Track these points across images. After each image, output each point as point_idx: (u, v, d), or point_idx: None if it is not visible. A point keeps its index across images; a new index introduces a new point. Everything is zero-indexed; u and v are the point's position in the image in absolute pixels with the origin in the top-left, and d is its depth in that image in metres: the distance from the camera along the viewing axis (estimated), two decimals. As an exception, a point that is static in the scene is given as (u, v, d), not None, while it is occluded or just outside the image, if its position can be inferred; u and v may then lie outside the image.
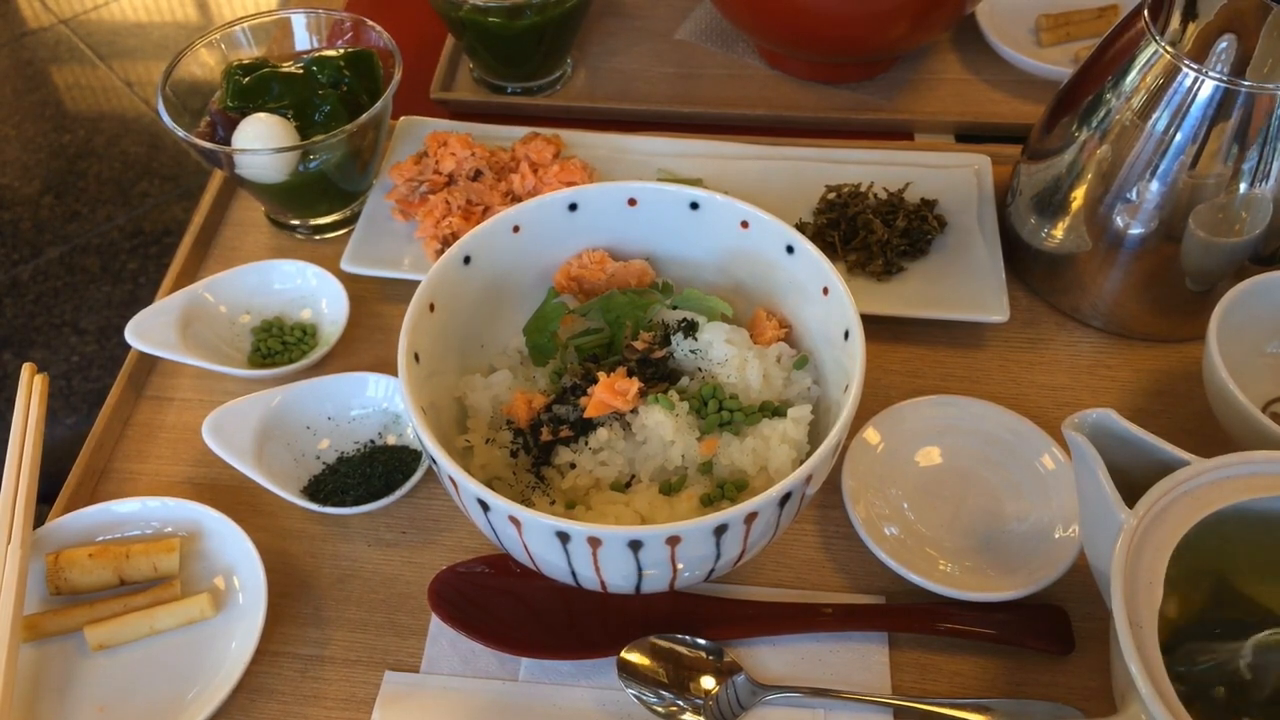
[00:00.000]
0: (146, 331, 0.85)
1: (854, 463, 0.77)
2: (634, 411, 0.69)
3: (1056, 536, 0.73)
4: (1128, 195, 0.80)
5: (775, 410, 0.71)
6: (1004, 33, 1.13)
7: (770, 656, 0.71)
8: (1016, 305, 0.90)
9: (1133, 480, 0.60)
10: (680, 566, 0.61)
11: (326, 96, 0.92)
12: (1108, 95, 0.80)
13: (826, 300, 0.71)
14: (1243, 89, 0.73)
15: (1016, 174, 0.92)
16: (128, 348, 0.86)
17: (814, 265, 0.71)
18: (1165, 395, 0.85)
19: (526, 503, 0.67)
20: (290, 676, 0.72)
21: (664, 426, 0.68)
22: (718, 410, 0.70)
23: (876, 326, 0.86)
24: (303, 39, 1.00)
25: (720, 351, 0.72)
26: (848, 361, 0.67)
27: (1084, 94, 0.83)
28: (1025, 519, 0.75)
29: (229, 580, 0.74)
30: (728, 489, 0.68)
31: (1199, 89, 0.74)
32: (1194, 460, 0.61)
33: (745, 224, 0.75)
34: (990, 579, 0.72)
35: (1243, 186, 0.76)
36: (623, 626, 0.71)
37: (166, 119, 0.90)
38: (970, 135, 1.06)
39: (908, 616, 0.72)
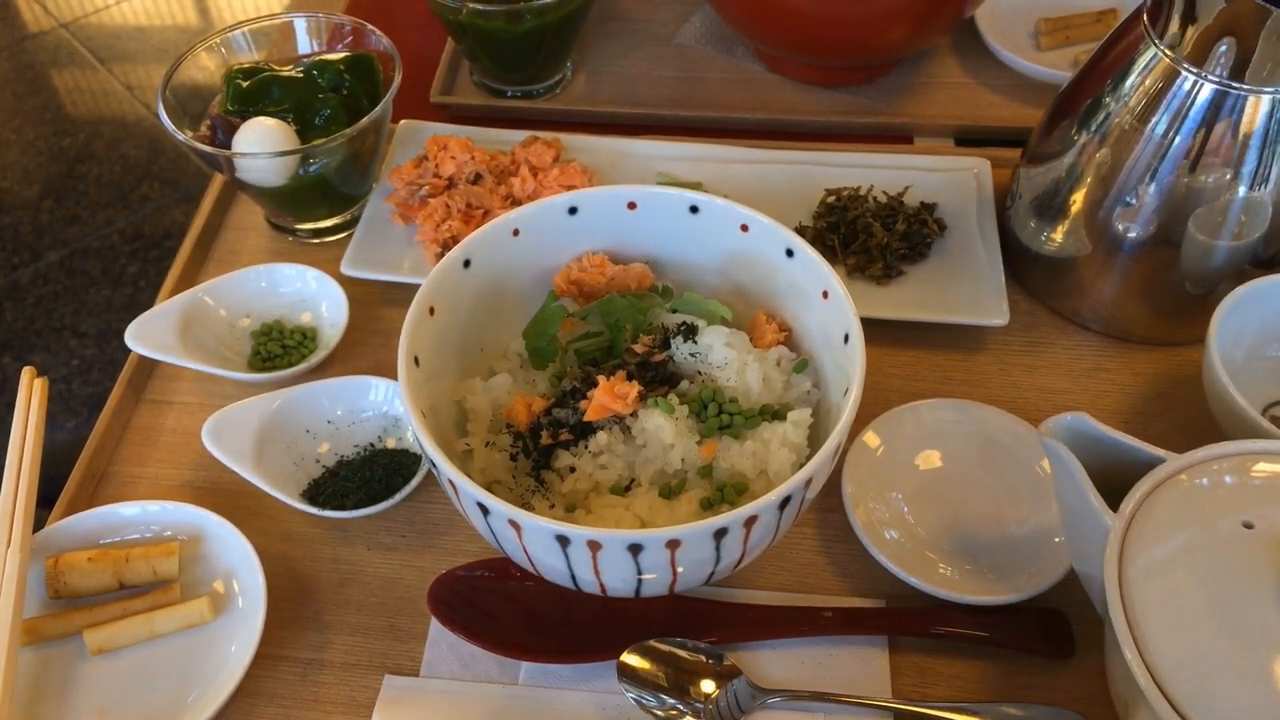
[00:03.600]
0: (146, 335, 0.85)
1: (854, 466, 0.77)
2: (634, 415, 0.69)
3: (1056, 540, 0.73)
4: (1127, 198, 0.80)
5: (775, 414, 0.71)
6: (1003, 36, 1.13)
7: (770, 660, 0.71)
8: (1016, 309, 0.90)
9: (1110, 482, 0.60)
10: (680, 570, 0.61)
11: (327, 100, 0.92)
12: (1107, 99, 0.80)
13: (826, 303, 0.71)
14: (1242, 92, 0.73)
15: (1016, 177, 0.92)
16: (127, 351, 0.86)
17: (814, 268, 0.71)
18: (1165, 398, 0.85)
19: (526, 506, 0.67)
20: (290, 680, 0.72)
21: (664, 430, 0.68)
22: (717, 414, 0.70)
23: (876, 330, 0.86)
24: (303, 43, 1.00)
25: (720, 355, 0.72)
26: (847, 365, 0.67)
27: (1083, 97, 0.83)
28: (1025, 522, 0.75)
29: (228, 584, 0.74)
30: (727, 492, 0.68)
31: (1198, 92, 0.75)
32: (1170, 456, 0.61)
33: (745, 227, 0.75)
34: (990, 582, 0.72)
35: (1242, 189, 0.76)
36: (623, 630, 0.70)
37: (167, 123, 0.90)
38: (970, 139, 1.06)
39: (907, 620, 0.72)
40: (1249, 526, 0.57)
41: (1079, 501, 0.60)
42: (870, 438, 0.79)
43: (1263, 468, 0.61)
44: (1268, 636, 0.53)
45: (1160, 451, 0.61)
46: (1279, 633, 0.53)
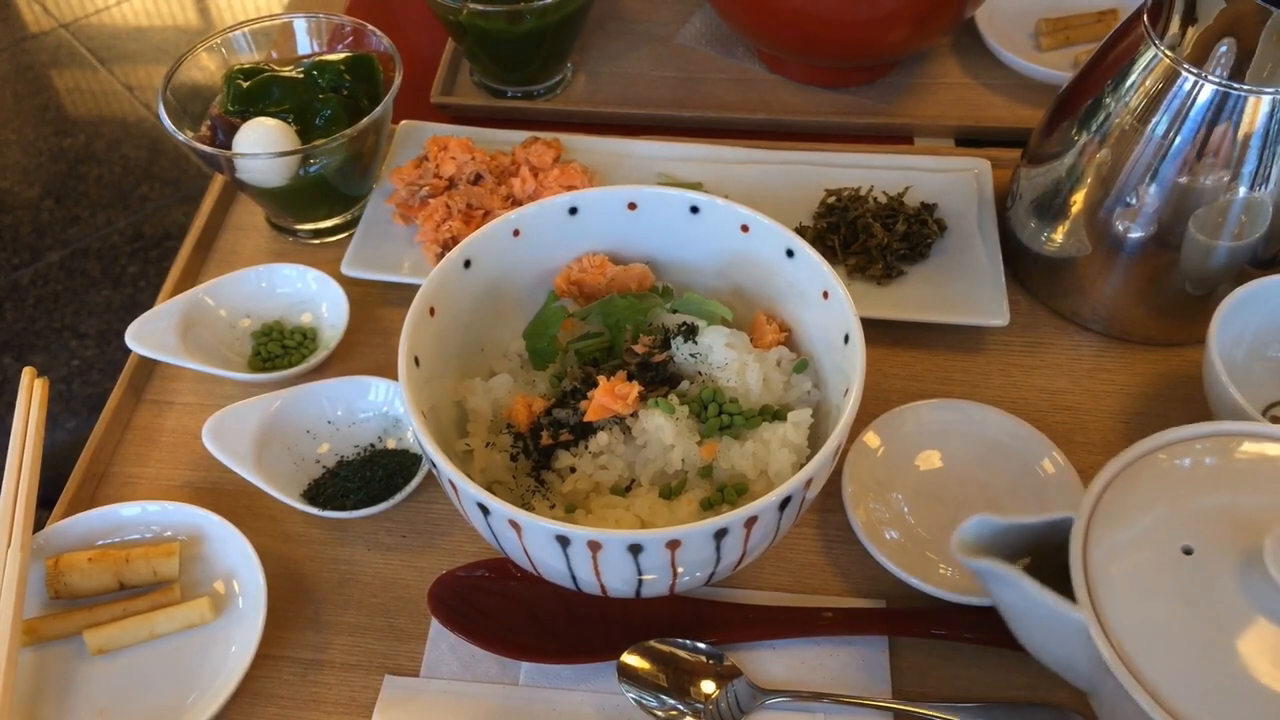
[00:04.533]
0: (146, 335, 0.85)
1: (854, 466, 0.77)
2: (634, 415, 0.69)
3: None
4: (1127, 199, 0.80)
5: (775, 414, 0.71)
6: (1004, 37, 1.13)
7: (771, 660, 0.71)
8: (1016, 309, 0.90)
9: (1015, 554, 0.60)
10: (680, 570, 0.61)
11: (327, 101, 0.92)
12: (1107, 99, 0.80)
13: (826, 304, 0.71)
14: (1242, 93, 0.73)
15: (1016, 178, 0.92)
16: (128, 352, 0.86)
17: (814, 269, 0.71)
18: (1165, 399, 0.85)
19: (526, 506, 0.67)
20: (290, 680, 0.72)
21: (664, 430, 0.68)
22: (718, 414, 0.70)
23: (876, 330, 0.86)
24: (303, 43, 1.00)
25: (720, 355, 0.72)
26: (848, 365, 0.67)
27: (1083, 98, 0.83)
28: (1025, 523, 0.75)
29: (229, 584, 0.74)
30: (728, 493, 0.68)
31: (1198, 93, 0.75)
32: (1072, 515, 0.60)
33: (745, 228, 0.75)
34: (990, 583, 0.72)
35: (1242, 190, 0.76)
36: (623, 630, 0.70)
37: (167, 123, 0.90)
38: (970, 139, 1.06)
39: (907, 621, 0.72)
40: (1188, 552, 0.56)
41: (1033, 608, 0.58)
42: (870, 438, 0.79)
43: (1184, 458, 0.61)
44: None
45: (1063, 514, 0.60)
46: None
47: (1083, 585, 0.57)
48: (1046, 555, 0.61)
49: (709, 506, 0.68)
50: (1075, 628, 0.56)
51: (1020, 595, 0.58)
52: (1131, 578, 0.57)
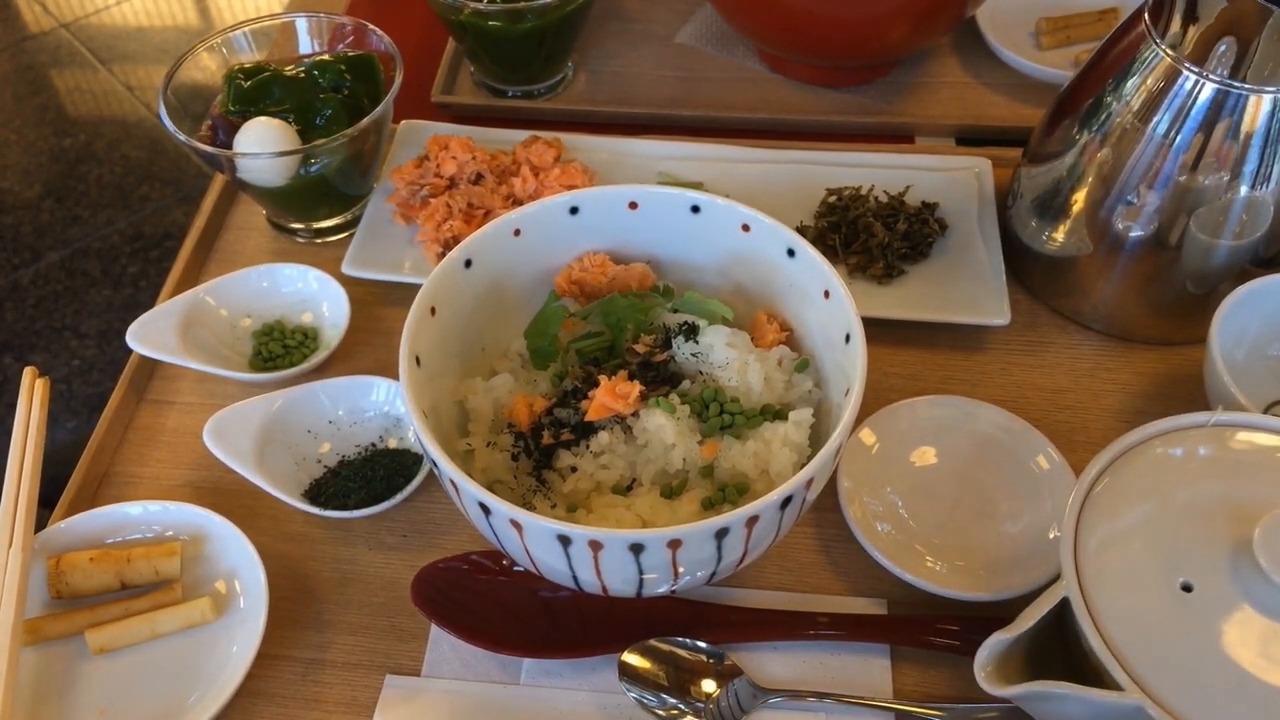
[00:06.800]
0: (147, 335, 0.85)
1: (849, 463, 0.77)
2: (635, 415, 0.69)
3: (1050, 536, 0.73)
4: (1128, 198, 0.80)
5: (776, 413, 0.71)
6: (1004, 36, 1.13)
7: (772, 660, 0.71)
8: (1017, 308, 0.90)
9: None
10: (681, 570, 0.61)
11: (328, 100, 0.92)
12: (1108, 98, 0.80)
13: (827, 303, 0.71)
14: (1243, 91, 0.73)
15: (1017, 177, 0.92)
16: (129, 352, 0.86)
17: (815, 268, 0.71)
18: (1166, 398, 0.85)
19: (528, 506, 0.67)
20: (291, 680, 0.72)
21: (665, 430, 0.68)
22: (719, 413, 0.70)
23: (877, 329, 0.86)
24: (304, 43, 1.00)
25: (721, 355, 0.72)
26: (849, 365, 0.67)
27: (1084, 97, 0.83)
28: (1019, 519, 0.75)
29: (230, 584, 0.74)
30: (729, 492, 0.68)
31: (1199, 92, 0.75)
32: (1062, 586, 0.59)
33: (746, 227, 0.75)
34: (983, 579, 0.72)
35: (1243, 189, 0.76)
36: (623, 630, 0.70)
37: (168, 123, 0.90)
38: (971, 138, 1.06)
39: (901, 628, 0.71)
40: (1187, 589, 0.56)
41: (1081, 708, 0.57)
42: (866, 434, 0.79)
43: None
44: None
45: (1061, 593, 0.59)
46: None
47: (1074, 577, 0.58)
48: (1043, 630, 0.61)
49: (710, 506, 0.68)
50: (1131, 712, 0.55)
51: (1070, 703, 0.57)
52: (1122, 566, 0.58)
